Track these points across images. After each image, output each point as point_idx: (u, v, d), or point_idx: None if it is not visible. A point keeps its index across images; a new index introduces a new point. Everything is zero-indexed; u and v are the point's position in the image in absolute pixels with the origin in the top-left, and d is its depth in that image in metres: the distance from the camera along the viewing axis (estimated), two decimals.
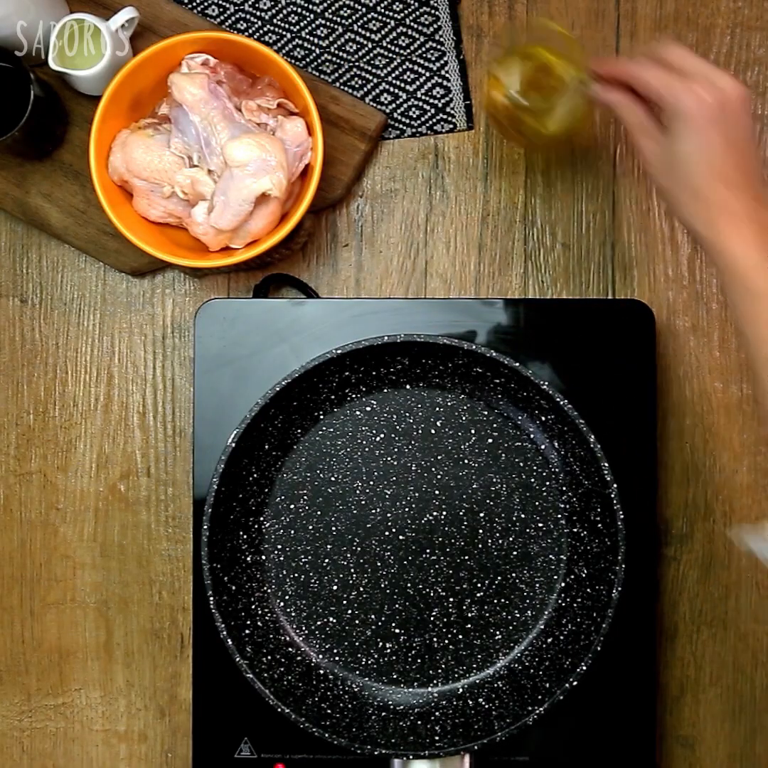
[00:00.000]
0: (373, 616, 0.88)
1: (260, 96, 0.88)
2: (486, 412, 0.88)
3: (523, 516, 0.88)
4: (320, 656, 0.88)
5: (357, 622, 0.88)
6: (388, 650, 0.88)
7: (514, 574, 0.88)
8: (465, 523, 0.88)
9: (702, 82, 0.73)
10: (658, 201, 0.94)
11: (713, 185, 0.73)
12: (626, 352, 0.87)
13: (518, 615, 0.88)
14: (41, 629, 0.94)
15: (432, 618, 0.88)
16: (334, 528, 0.88)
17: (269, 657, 0.86)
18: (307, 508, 0.88)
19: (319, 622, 0.88)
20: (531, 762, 0.87)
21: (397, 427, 0.88)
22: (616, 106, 0.79)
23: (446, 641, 0.88)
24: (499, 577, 0.88)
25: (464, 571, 0.88)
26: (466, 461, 0.88)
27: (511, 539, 0.88)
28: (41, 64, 0.88)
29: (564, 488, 0.88)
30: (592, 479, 0.85)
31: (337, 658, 0.88)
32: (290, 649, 0.88)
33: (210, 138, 0.86)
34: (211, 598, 0.83)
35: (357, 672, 0.88)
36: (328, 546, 0.88)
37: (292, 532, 0.88)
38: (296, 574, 0.88)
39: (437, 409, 0.88)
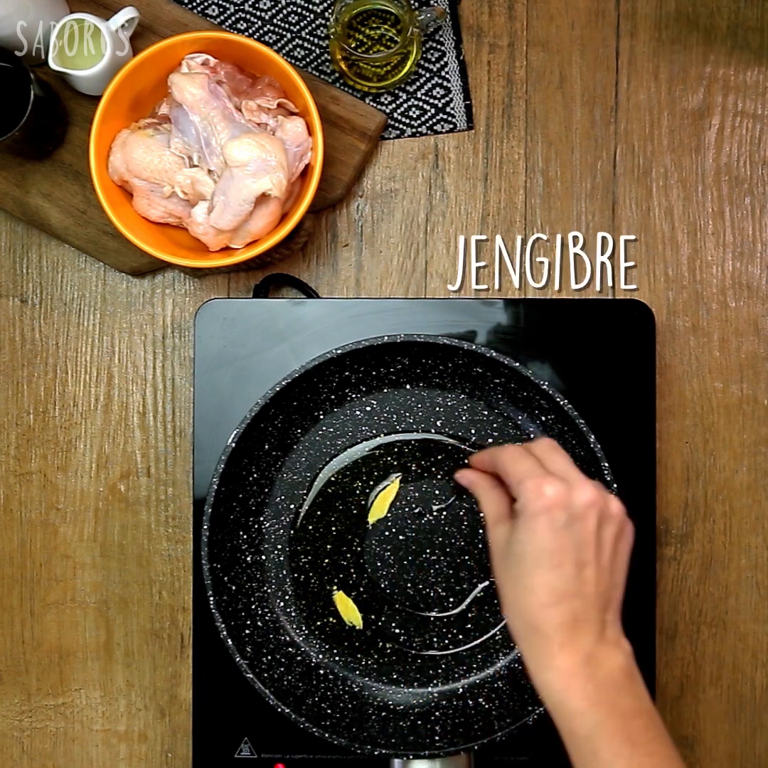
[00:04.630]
0: (373, 616, 0.88)
1: (260, 96, 0.88)
2: (486, 412, 0.88)
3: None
4: (320, 656, 0.88)
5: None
6: (388, 650, 0.88)
7: None
8: (465, 523, 0.88)
9: (555, 479, 0.67)
10: (658, 201, 0.94)
11: (543, 610, 0.65)
12: (626, 352, 0.87)
13: None
14: (41, 629, 0.94)
15: (432, 618, 0.88)
16: (334, 528, 0.88)
17: (269, 657, 0.86)
18: (307, 508, 0.88)
19: (319, 622, 0.88)
20: (531, 762, 0.87)
21: (397, 427, 0.88)
22: (473, 487, 0.74)
23: (446, 641, 0.88)
24: None
25: (464, 571, 0.88)
26: (466, 461, 0.88)
27: None
28: (41, 64, 0.88)
29: None
30: (591, 479, 0.85)
31: (337, 658, 0.88)
32: (290, 649, 0.88)
33: (210, 138, 0.86)
34: (211, 598, 0.83)
35: (357, 672, 0.88)
36: (328, 546, 0.88)
37: (292, 532, 0.88)
38: (296, 574, 0.88)
39: (437, 409, 0.88)
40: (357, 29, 0.93)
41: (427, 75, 0.94)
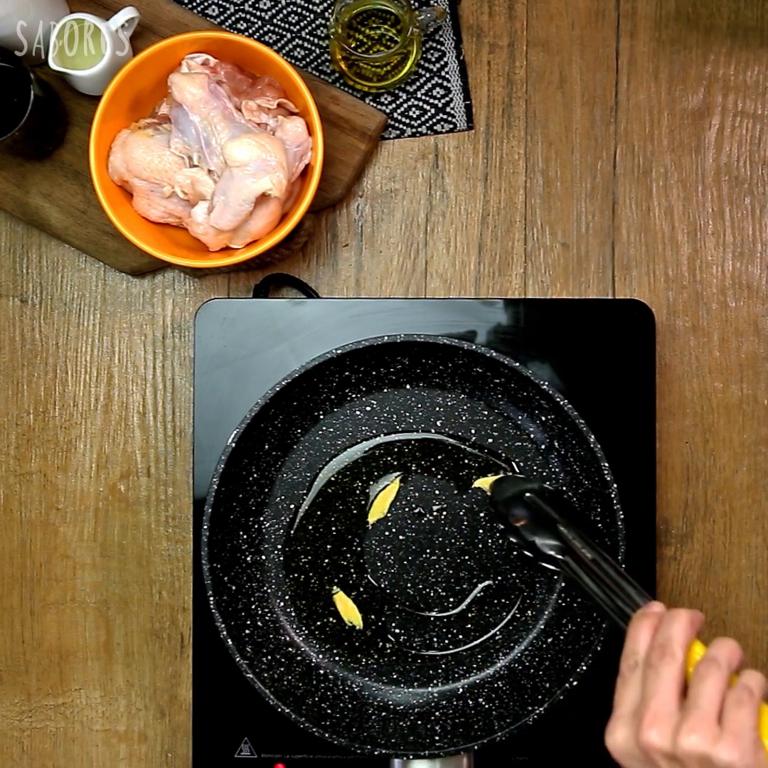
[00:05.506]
0: (373, 616, 0.88)
1: (260, 96, 0.88)
2: (486, 412, 0.88)
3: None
4: (320, 656, 0.88)
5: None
6: (388, 650, 0.88)
7: (514, 574, 0.88)
8: (465, 523, 0.88)
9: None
10: (658, 201, 0.94)
11: None
12: (626, 352, 0.87)
13: (518, 615, 0.88)
14: (41, 629, 0.94)
15: (432, 618, 0.88)
16: (334, 528, 0.88)
17: (269, 657, 0.86)
18: (307, 508, 0.88)
19: (319, 622, 0.88)
20: (531, 762, 0.87)
21: (397, 427, 0.88)
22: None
23: (446, 641, 0.88)
24: (499, 577, 0.88)
25: (464, 571, 0.88)
26: (466, 461, 0.88)
27: (511, 539, 0.88)
28: (41, 64, 0.88)
29: (564, 488, 0.87)
30: (592, 479, 0.85)
31: (337, 658, 0.88)
32: (290, 649, 0.88)
33: (210, 138, 0.86)
34: (211, 598, 0.83)
35: (357, 672, 0.88)
36: (328, 546, 0.88)
37: (292, 532, 0.88)
38: (296, 574, 0.88)
39: (437, 409, 0.88)
40: (357, 29, 0.93)
41: (427, 75, 0.94)
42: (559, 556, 0.78)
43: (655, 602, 0.67)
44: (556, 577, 0.88)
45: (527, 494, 0.82)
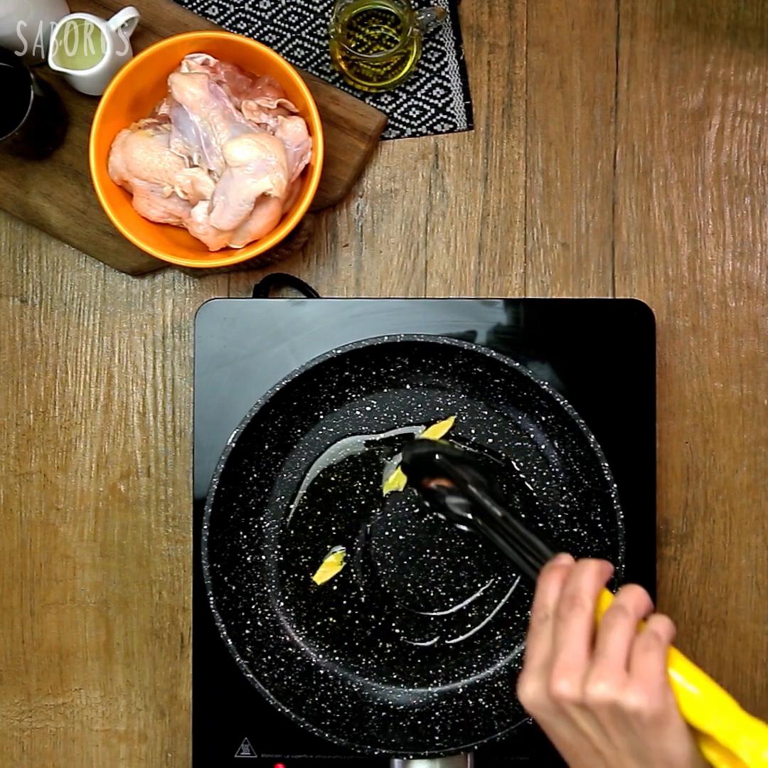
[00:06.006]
0: (373, 616, 0.88)
1: (260, 96, 0.88)
2: (486, 412, 0.88)
3: (523, 516, 0.88)
4: (320, 656, 0.88)
5: (357, 622, 0.88)
6: (388, 650, 0.88)
7: (514, 574, 0.88)
8: None
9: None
10: (658, 201, 0.94)
11: None
12: (626, 352, 0.87)
13: (518, 614, 0.88)
14: (41, 629, 0.94)
15: (432, 618, 0.88)
16: (334, 528, 0.88)
17: (269, 657, 0.86)
18: (307, 508, 0.88)
19: (319, 622, 0.88)
20: (531, 762, 0.87)
21: (397, 427, 0.88)
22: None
23: (446, 641, 0.88)
24: (499, 577, 0.88)
25: (464, 571, 0.88)
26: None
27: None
28: (41, 64, 0.88)
29: (564, 488, 0.88)
30: (592, 479, 0.85)
31: (337, 658, 0.88)
32: (290, 649, 0.88)
33: (210, 138, 0.86)
34: (211, 598, 0.83)
35: (357, 672, 0.88)
36: (328, 546, 0.88)
37: (292, 532, 0.88)
38: (296, 574, 0.88)
39: (437, 409, 0.88)
40: (357, 29, 0.93)
41: (427, 75, 0.94)
42: (470, 516, 0.77)
43: (563, 554, 0.67)
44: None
45: (437, 456, 0.81)
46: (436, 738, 0.84)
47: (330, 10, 0.93)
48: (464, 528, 0.78)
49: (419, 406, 0.88)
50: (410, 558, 0.88)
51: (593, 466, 0.83)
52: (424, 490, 0.81)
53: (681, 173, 0.94)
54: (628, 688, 0.59)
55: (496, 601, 0.88)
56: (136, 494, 0.94)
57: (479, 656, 0.88)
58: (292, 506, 0.88)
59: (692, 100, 0.94)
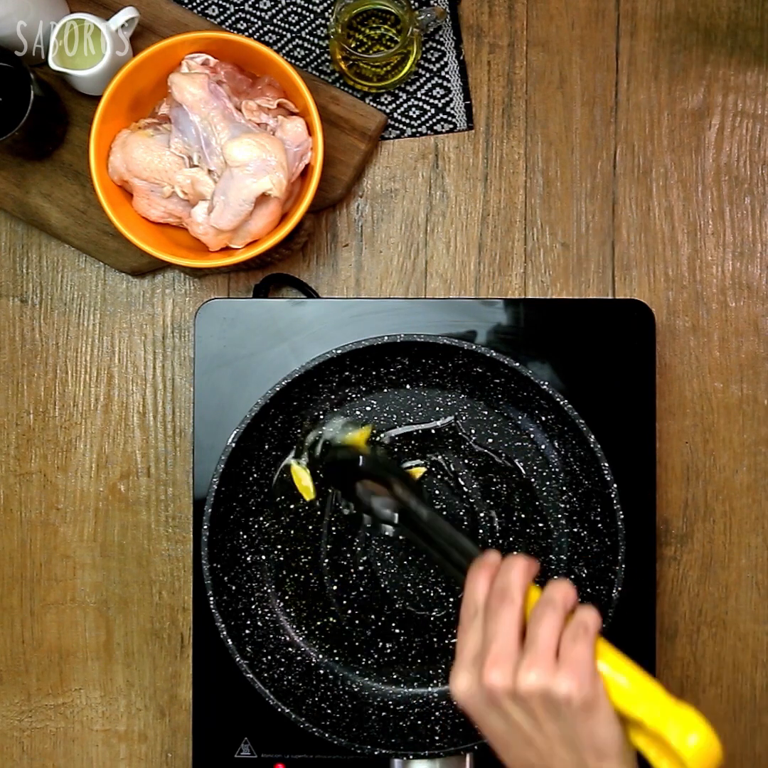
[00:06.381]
0: (373, 616, 0.88)
1: (260, 96, 0.88)
2: (486, 412, 0.88)
3: (523, 516, 0.88)
4: (320, 656, 0.88)
5: (357, 622, 0.88)
6: (388, 650, 0.88)
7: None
8: (465, 523, 0.88)
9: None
10: (658, 201, 0.94)
11: None
12: (626, 352, 0.87)
13: None
14: (41, 629, 0.94)
15: (432, 618, 0.88)
16: (334, 528, 0.88)
17: (269, 657, 0.86)
18: (307, 508, 0.88)
19: (319, 622, 0.88)
20: None
21: (397, 427, 0.88)
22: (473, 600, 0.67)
23: (446, 641, 0.88)
24: None
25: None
26: (466, 461, 0.88)
27: (511, 539, 0.88)
28: (41, 64, 0.88)
29: (564, 488, 0.88)
30: (592, 479, 0.85)
31: (337, 658, 0.88)
32: (290, 649, 0.88)
33: (210, 138, 0.86)
34: (211, 598, 0.83)
35: (357, 672, 0.88)
36: (328, 546, 0.88)
37: (292, 532, 0.88)
38: (296, 574, 0.88)
39: (437, 409, 0.88)
40: (357, 29, 0.93)
41: (427, 75, 0.94)
42: (396, 517, 0.78)
43: (491, 551, 0.69)
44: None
45: (362, 460, 0.82)
46: (436, 738, 0.84)
47: (330, 10, 0.93)
48: (390, 528, 0.79)
49: (419, 406, 0.88)
50: (410, 558, 0.88)
51: (593, 466, 0.83)
52: (349, 492, 0.82)
53: (681, 173, 0.94)
54: (558, 675, 0.61)
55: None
56: (136, 494, 0.94)
57: None
58: (292, 506, 0.88)
59: (692, 100, 0.94)
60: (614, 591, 0.82)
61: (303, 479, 0.88)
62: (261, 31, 0.94)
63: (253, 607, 0.87)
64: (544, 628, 0.62)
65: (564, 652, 0.62)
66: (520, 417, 0.88)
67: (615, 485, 0.82)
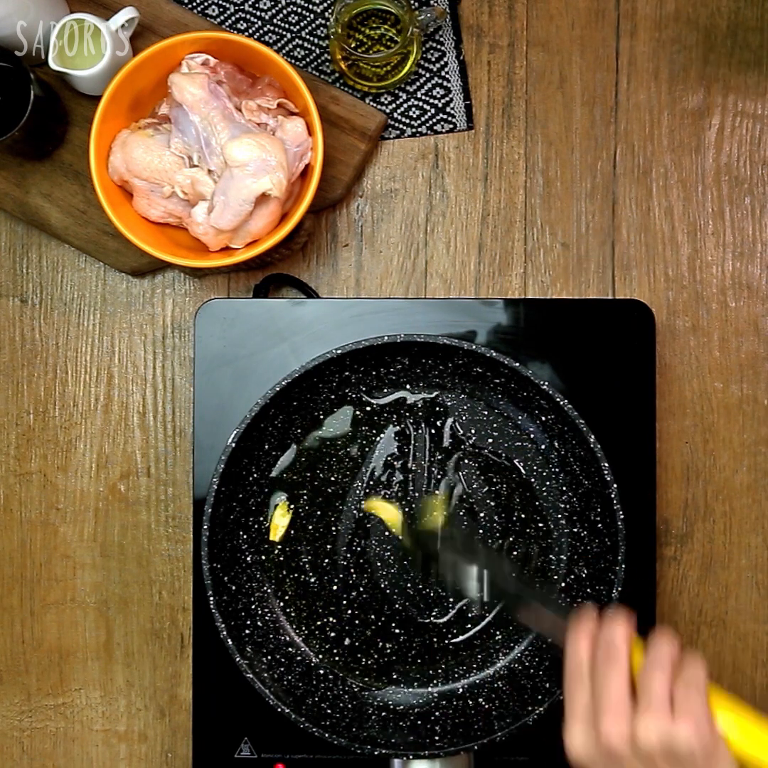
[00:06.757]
0: (373, 616, 0.88)
1: (260, 96, 0.88)
2: (486, 412, 0.88)
3: (523, 516, 0.88)
4: (320, 656, 0.88)
5: (357, 622, 0.88)
6: (388, 650, 0.88)
7: (513, 574, 0.88)
8: (465, 523, 0.88)
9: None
10: (658, 201, 0.94)
11: None
12: (626, 352, 0.87)
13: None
14: (41, 629, 0.94)
15: (432, 618, 0.88)
16: (334, 528, 0.88)
17: (269, 657, 0.86)
18: (307, 508, 0.88)
19: (319, 622, 0.88)
20: (531, 762, 0.87)
21: (397, 427, 0.88)
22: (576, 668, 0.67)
23: (446, 641, 0.88)
24: None
25: None
26: (465, 461, 0.88)
27: (511, 539, 0.88)
28: (41, 64, 0.88)
29: (564, 488, 0.88)
30: (592, 479, 0.85)
31: (337, 658, 0.88)
32: (290, 649, 0.88)
33: (210, 138, 0.86)
34: (211, 598, 0.83)
35: (357, 672, 0.88)
36: (328, 546, 0.88)
37: (292, 532, 0.88)
38: (296, 574, 0.88)
39: (437, 409, 0.88)
40: (357, 29, 0.93)
41: (427, 75, 0.94)
42: (485, 596, 0.84)
43: (587, 608, 0.70)
44: (555, 578, 0.88)
45: (440, 543, 0.86)
46: (436, 738, 0.84)
47: (330, 10, 0.93)
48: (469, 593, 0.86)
49: (419, 405, 0.88)
50: (410, 558, 0.88)
51: (593, 466, 0.83)
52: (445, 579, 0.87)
53: (681, 173, 0.94)
54: (677, 723, 0.60)
55: (496, 601, 0.88)
56: (136, 494, 0.94)
57: (479, 656, 0.88)
58: (292, 506, 0.88)
59: (692, 100, 0.94)
60: (614, 591, 0.82)
61: (280, 525, 0.88)
62: (261, 31, 0.94)
63: (253, 607, 0.87)
64: (657, 682, 0.62)
65: (679, 702, 0.61)
66: (520, 417, 0.88)
67: (615, 485, 0.82)
